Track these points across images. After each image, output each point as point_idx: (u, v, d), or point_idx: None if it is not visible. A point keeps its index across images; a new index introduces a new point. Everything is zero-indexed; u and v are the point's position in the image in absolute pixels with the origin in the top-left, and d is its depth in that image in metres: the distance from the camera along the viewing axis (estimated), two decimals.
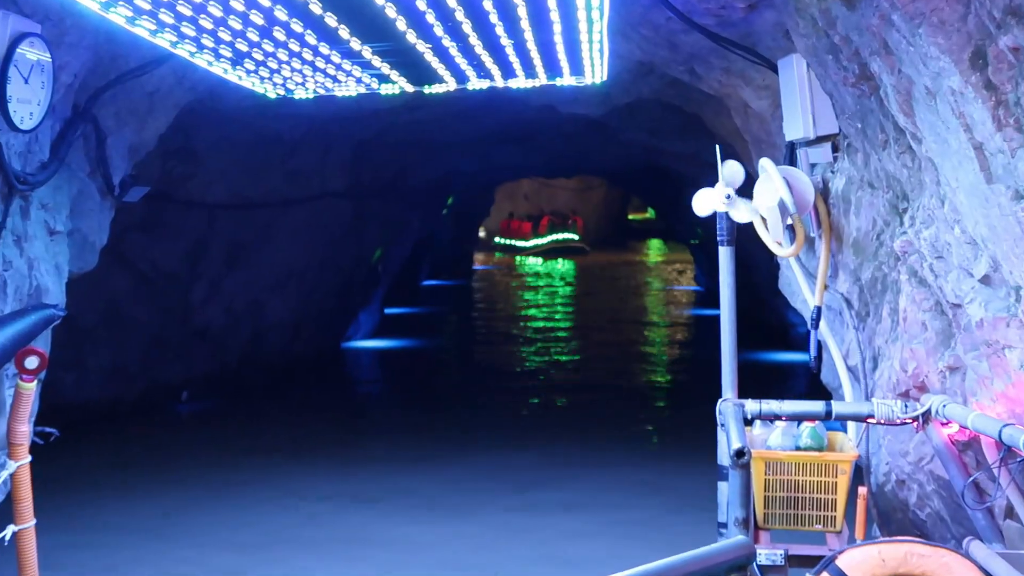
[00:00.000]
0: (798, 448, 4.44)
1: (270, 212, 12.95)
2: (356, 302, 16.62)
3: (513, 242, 39.99)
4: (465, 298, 25.05)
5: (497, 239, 41.44)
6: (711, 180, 4.74)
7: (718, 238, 4.64)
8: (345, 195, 14.52)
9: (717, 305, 4.65)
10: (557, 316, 21.15)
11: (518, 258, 37.47)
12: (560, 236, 39.09)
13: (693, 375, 14.66)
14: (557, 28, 5.21)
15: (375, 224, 16.23)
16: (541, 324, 19.72)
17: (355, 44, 5.37)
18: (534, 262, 36.05)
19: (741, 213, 4.56)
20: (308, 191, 13.56)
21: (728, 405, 4.36)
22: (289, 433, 10.90)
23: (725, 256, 4.61)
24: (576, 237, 39.38)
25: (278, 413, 11.90)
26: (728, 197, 4.52)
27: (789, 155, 5.51)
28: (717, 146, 4.84)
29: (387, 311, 19.24)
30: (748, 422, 4.37)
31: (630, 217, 52.53)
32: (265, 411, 12.02)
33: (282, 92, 6.64)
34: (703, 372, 14.27)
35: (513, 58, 5.81)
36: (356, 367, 15.97)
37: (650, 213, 52.95)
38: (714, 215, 4.67)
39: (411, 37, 5.24)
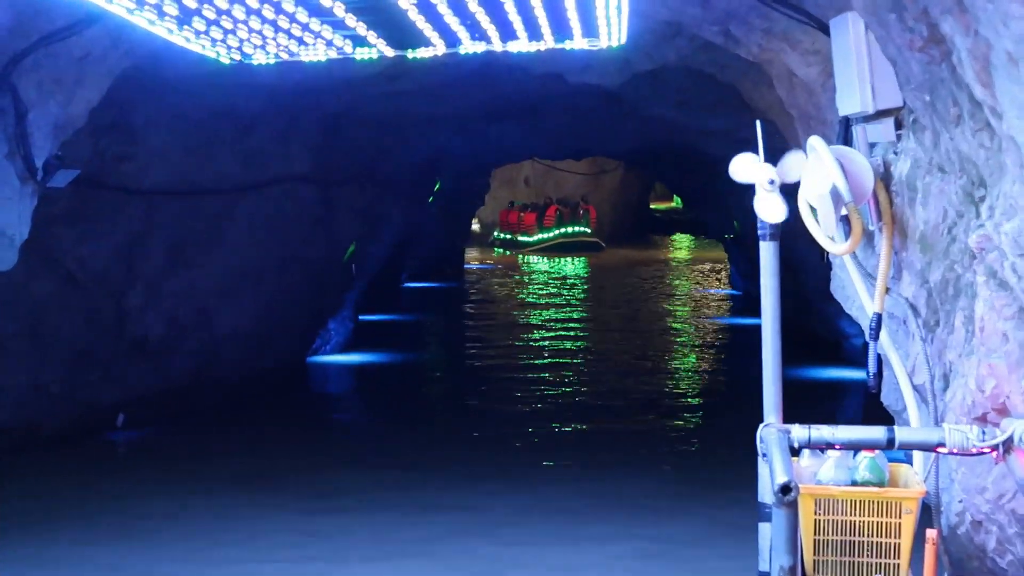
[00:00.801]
0: (854, 483, 4.44)
1: (222, 201, 12.96)
2: (325, 308, 16.63)
3: (514, 237, 40.04)
4: (455, 304, 25.07)
5: (496, 233, 41.50)
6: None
7: (758, 232, 4.62)
8: (312, 180, 14.52)
9: (757, 312, 4.66)
10: (565, 327, 21.16)
11: (520, 256, 37.52)
12: (569, 229, 39.15)
13: (728, 397, 14.66)
14: None
15: (348, 215, 16.24)
16: (546, 339, 19.72)
17: None
18: (539, 261, 36.08)
19: (773, 208, 4.53)
20: (268, 176, 13.57)
21: (771, 432, 4.35)
22: (243, 469, 10.89)
23: (767, 253, 4.59)
24: (588, 231, 39.44)
25: (230, 444, 11.90)
26: (771, 182, 4.51)
27: (843, 133, 5.52)
28: (758, 122, 4.84)
29: (362, 318, 19.27)
30: (795, 452, 4.37)
31: (652, 207, 52.64)
32: (215, 442, 12.02)
33: (238, 57, 6.65)
34: (740, 393, 14.35)
35: (513, 16, 5.82)
36: (324, 388, 15.97)
37: (676, 202, 53.03)
38: (753, 197, 4.66)
39: None
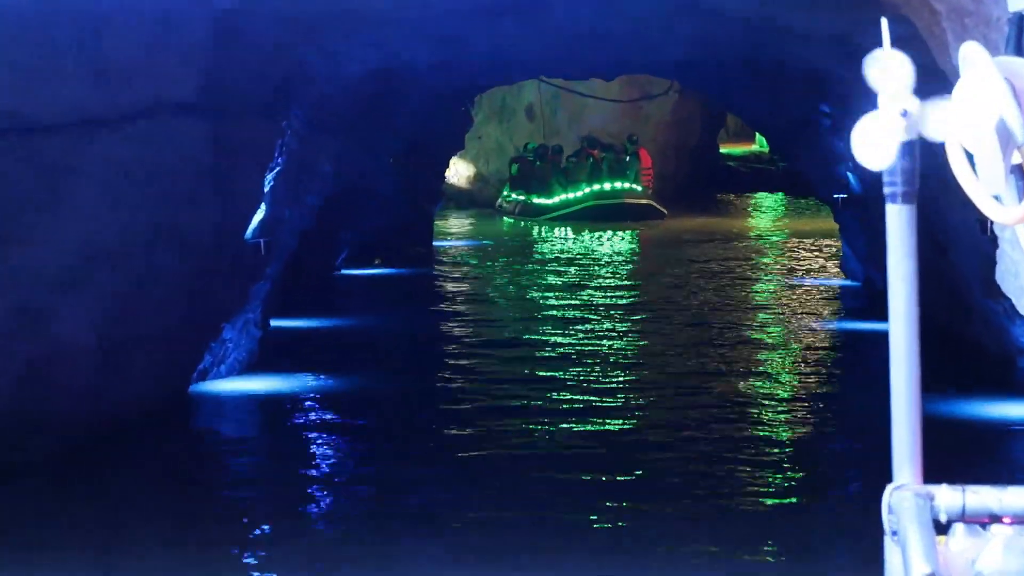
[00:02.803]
0: None
1: (62, 142, 12.94)
2: (219, 308, 16.62)
3: (528, 199, 39.78)
4: (419, 302, 25.05)
5: (506, 193, 41.21)
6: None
7: (885, 190, 4.61)
8: (199, 111, 14.50)
9: (883, 314, 4.66)
10: (593, 348, 21.13)
11: (536, 228, 37.42)
12: (607, 186, 38.67)
13: (839, 445, 14.67)
14: None
15: (252, 165, 16.20)
16: (560, 366, 19.57)
17: None
18: (563, 234, 35.90)
19: (938, 124, 4.49)
20: (131, 104, 13.54)
21: (905, 497, 4.37)
22: (86, 556, 10.86)
23: (898, 224, 4.56)
24: (639, 188, 38.92)
25: (70, 517, 11.87)
26: (904, 113, 4.50)
27: (1016, 39, 5.52)
28: (884, 20, 4.83)
29: (276, 324, 19.23)
30: (942, 528, 4.38)
31: (723, 151, 52.63)
32: (47, 513, 12.00)
33: None
34: (857, 439, 14.31)
35: None
36: (216, 431, 15.92)
37: (759, 144, 53.00)
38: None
39: None
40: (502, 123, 43.93)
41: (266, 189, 16.96)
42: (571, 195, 38.86)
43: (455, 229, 37.59)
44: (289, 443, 15.28)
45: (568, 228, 37.14)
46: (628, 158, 39.93)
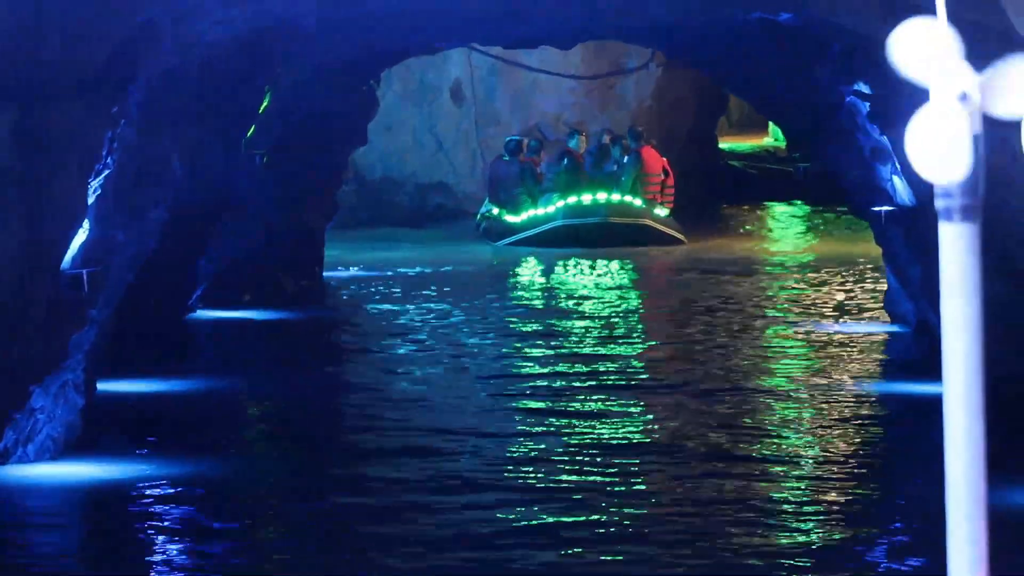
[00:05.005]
0: None
1: None
2: (23, 366, 16.56)
3: (500, 216, 39.42)
4: (305, 358, 25.06)
5: (486, 208, 40.82)
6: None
7: (937, 204, 4.69)
8: None
9: (939, 371, 4.73)
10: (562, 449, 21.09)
11: (498, 256, 37.44)
12: (588, 199, 38.08)
13: (878, 550, 14.77)
14: None
15: (72, 167, 16.15)
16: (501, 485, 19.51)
17: None
18: (532, 263, 35.89)
19: (1011, 94, 4.57)
20: None
21: None
22: None
23: (956, 250, 4.65)
24: (636, 202, 38.21)
25: None
26: (963, 97, 4.59)
27: None
28: None
29: (104, 388, 19.12)
30: None
31: (723, 146, 52.74)
32: None
33: None
34: (902, 540, 14.32)
35: None
36: (15, 543, 15.81)
37: (773, 138, 53.10)
38: None
39: None
40: (421, 107, 43.87)
41: (91, 200, 16.87)
42: (540, 211, 38.63)
43: (358, 255, 37.37)
44: (120, 553, 15.25)
45: (529, 256, 37.01)
46: (626, 158, 39.50)
